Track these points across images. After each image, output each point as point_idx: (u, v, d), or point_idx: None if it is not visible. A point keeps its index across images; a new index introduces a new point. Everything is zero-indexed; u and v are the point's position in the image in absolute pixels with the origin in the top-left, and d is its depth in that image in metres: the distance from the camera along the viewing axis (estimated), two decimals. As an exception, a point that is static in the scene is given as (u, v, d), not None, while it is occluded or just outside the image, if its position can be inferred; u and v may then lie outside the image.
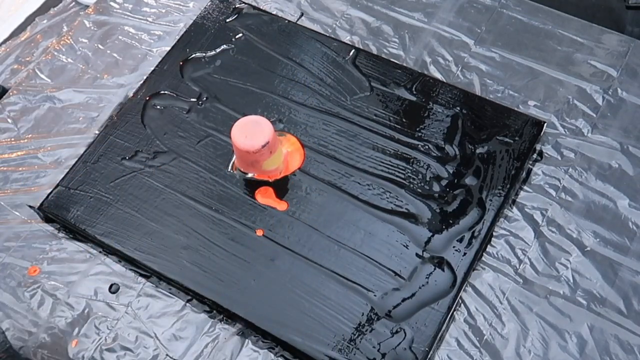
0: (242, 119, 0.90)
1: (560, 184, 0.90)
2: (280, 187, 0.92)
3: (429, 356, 0.79)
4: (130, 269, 0.89)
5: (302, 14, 1.09)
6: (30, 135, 1.03)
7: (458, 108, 0.96)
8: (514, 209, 0.88)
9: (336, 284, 0.84)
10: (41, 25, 1.18)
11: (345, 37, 1.06)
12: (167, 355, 0.83)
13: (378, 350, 0.80)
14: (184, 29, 1.09)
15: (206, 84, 1.02)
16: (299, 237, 0.87)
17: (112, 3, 1.16)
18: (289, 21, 1.07)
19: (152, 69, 1.05)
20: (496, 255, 0.86)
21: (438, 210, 0.88)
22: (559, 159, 0.92)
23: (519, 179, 0.90)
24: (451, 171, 0.91)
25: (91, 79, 1.07)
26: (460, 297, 0.83)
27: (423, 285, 0.83)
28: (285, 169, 0.93)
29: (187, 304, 0.86)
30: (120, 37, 1.11)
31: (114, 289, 0.88)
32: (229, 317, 0.85)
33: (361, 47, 1.04)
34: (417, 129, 0.94)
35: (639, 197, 0.88)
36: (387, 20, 1.07)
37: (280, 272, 0.85)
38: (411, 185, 0.90)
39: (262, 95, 1.00)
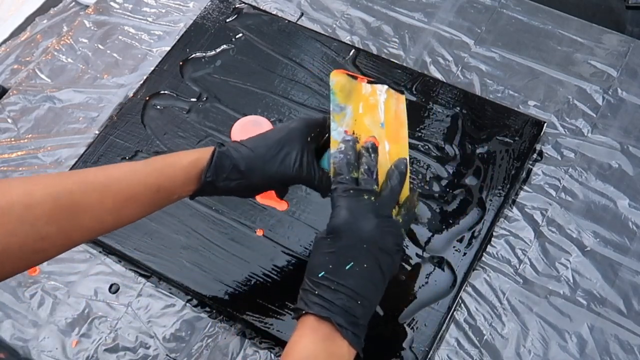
0: (242, 119, 0.90)
1: (560, 184, 0.90)
2: (280, 187, 0.91)
3: (429, 356, 0.79)
4: (130, 269, 0.89)
5: (302, 14, 1.09)
6: (30, 135, 1.03)
7: (458, 108, 0.96)
8: (514, 209, 0.88)
9: (336, 284, 0.84)
10: (41, 25, 1.18)
11: (345, 37, 1.06)
12: (167, 355, 0.83)
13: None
14: (184, 29, 1.09)
15: (206, 84, 1.02)
16: (299, 237, 0.87)
17: (112, 3, 1.16)
18: (289, 21, 1.07)
19: (152, 69, 1.05)
20: (496, 255, 0.86)
21: (438, 210, 0.88)
22: (559, 159, 0.92)
23: (519, 179, 0.90)
24: (451, 171, 0.91)
25: (91, 79, 1.07)
26: (460, 297, 0.83)
27: (423, 285, 0.83)
28: (285, 169, 0.92)
29: (187, 304, 0.86)
30: (120, 37, 1.11)
31: (114, 289, 0.88)
32: (229, 317, 0.85)
33: (361, 47, 1.04)
34: (417, 129, 0.94)
35: (639, 197, 0.88)
36: (387, 20, 1.07)
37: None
38: (411, 185, 0.90)
39: (262, 95, 1.00)
